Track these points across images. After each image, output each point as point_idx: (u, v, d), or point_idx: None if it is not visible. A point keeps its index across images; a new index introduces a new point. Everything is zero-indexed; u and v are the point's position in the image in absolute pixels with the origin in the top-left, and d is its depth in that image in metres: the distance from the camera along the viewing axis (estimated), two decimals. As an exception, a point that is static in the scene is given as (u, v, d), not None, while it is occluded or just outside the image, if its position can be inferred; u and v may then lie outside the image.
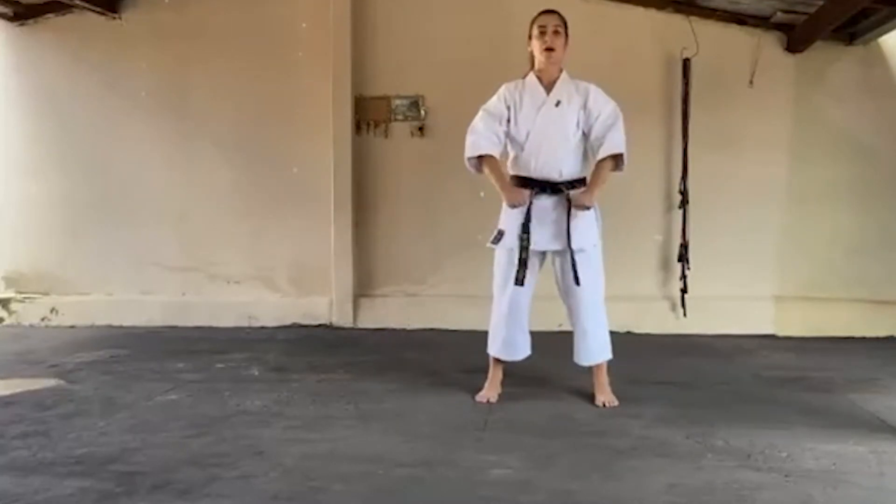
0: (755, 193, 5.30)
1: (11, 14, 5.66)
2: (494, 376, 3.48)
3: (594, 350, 3.37)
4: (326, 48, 5.45)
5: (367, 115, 5.53)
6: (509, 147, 3.39)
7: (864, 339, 5.12)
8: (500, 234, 3.35)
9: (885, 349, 4.82)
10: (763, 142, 5.29)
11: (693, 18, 5.22)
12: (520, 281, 3.27)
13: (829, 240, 5.27)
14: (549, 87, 3.34)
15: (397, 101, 5.51)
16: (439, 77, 5.45)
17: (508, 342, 3.42)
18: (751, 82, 5.25)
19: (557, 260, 3.36)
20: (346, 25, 5.42)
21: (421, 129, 5.50)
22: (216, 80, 5.64)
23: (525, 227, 3.26)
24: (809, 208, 5.27)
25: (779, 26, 5.19)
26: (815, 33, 4.94)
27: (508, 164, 3.43)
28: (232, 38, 5.61)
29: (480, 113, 3.39)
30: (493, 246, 3.38)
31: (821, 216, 5.27)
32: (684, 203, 5.26)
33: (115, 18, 5.64)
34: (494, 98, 3.41)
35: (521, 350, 3.47)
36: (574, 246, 3.26)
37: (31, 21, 5.73)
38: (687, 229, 5.27)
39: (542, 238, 3.29)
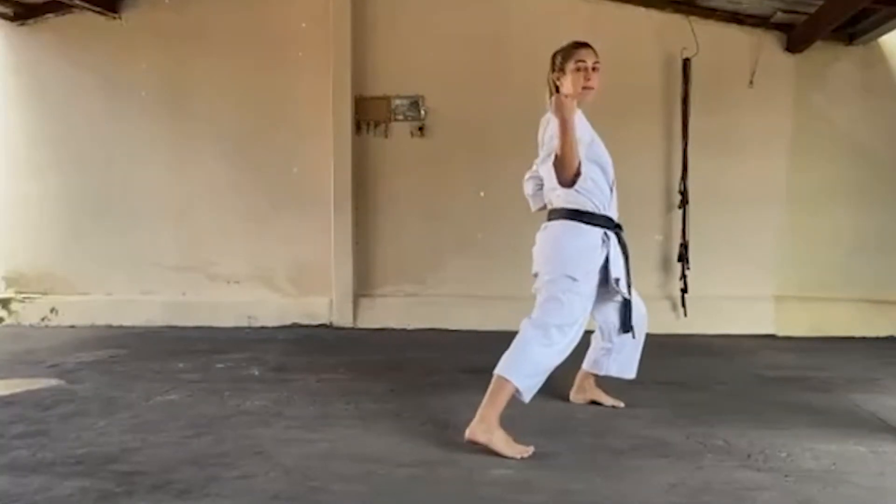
0: (755, 193, 5.30)
1: (11, 14, 5.67)
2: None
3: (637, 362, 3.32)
4: (326, 48, 5.45)
5: (367, 115, 5.54)
6: (586, 180, 2.87)
7: (864, 339, 5.13)
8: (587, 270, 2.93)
9: (885, 349, 4.82)
10: (763, 142, 5.29)
11: (693, 18, 5.23)
12: (629, 328, 3.13)
13: (828, 240, 5.27)
14: None
15: (397, 101, 5.52)
16: (439, 77, 5.46)
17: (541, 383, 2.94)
18: (751, 82, 5.26)
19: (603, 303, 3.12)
20: (346, 25, 5.42)
21: (421, 129, 5.50)
22: (216, 80, 5.64)
23: (627, 269, 3.01)
24: (809, 208, 5.27)
25: (779, 26, 5.20)
26: (815, 33, 4.94)
27: (579, 200, 2.92)
28: (232, 38, 5.62)
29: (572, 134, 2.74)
30: (576, 279, 2.88)
31: (821, 216, 5.27)
32: (684, 203, 5.27)
33: (115, 18, 5.64)
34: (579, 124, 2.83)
35: None
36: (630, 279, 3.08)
37: (31, 21, 5.73)
38: (687, 229, 5.28)
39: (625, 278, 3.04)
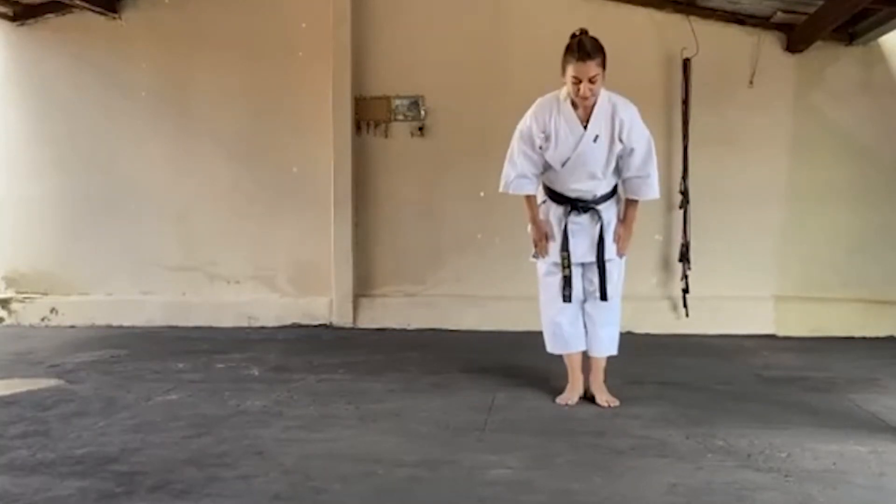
0: (755, 193, 5.29)
1: (11, 14, 5.67)
2: (574, 377, 3.47)
3: (605, 343, 3.45)
4: (326, 48, 5.45)
5: (367, 115, 5.53)
6: (546, 163, 3.36)
7: (864, 339, 5.12)
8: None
9: (885, 349, 4.82)
10: (763, 141, 5.29)
11: (693, 18, 5.22)
12: (567, 298, 3.38)
13: (829, 240, 5.26)
14: (585, 119, 3.24)
15: (397, 101, 5.51)
16: (439, 77, 5.45)
17: (564, 337, 3.46)
18: (751, 82, 5.25)
19: (586, 267, 3.42)
20: (346, 25, 5.42)
21: (421, 129, 5.50)
22: (216, 80, 5.63)
23: (565, 246, 3.34)
24: (809, 208, 5.27)
25: (779, 26, 5.19)
26: (815, 33, 4.94)
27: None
28: (232, 38, 5.61)
29: (516, 137, 3.35)
30: (535, 260, 3.50)
31: (821, 216, 5.27)
32: (685, 203, 5.26)
33: (115, 18, 5.64)
34: (529, 121, 3.32)
35: (576, 343, 3.47)
36: (606, 257, 3.36)
37: (31, 21, 5.73)
38: (687, 229, 5.27)
39: (579, 251, 3.36)
